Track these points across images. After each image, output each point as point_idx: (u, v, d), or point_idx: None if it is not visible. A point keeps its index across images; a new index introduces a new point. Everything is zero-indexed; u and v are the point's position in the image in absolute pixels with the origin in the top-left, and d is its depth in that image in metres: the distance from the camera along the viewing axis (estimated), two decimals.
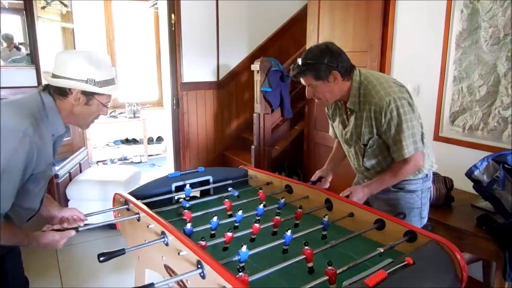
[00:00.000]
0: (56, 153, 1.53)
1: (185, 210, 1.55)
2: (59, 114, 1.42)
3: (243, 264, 1.17)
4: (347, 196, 1.70)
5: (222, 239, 1.33)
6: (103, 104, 1.47)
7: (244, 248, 1.17)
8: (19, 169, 1.28)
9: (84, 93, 1.41)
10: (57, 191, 3.28)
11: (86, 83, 1.39)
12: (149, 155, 5.86)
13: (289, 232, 1.31)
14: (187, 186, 1.80)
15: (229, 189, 1.82)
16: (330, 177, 1.96)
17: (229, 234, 1.32)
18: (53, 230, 1.38)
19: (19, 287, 1.72)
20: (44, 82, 1.47)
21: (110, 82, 1.46)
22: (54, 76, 1.41)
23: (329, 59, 1.64)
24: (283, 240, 1.31)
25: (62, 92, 1.40)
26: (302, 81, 1.72)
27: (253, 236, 1.40)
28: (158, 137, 6.04)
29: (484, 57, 2.28)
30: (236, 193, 1.75)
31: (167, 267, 1.35)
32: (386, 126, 1.66)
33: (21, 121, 1.28)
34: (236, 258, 1.17)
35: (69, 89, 1.39)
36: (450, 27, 2.43)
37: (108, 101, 1.49)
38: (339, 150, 2.03)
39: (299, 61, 1.67)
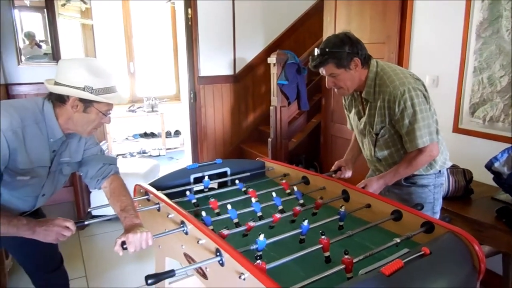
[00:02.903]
0: (63, 157, 1.56)
1: (211, 199, 1.57)
2: (56, 120, 1.45)
3: (260, 253, 1.20)
4: (362, 188, 1.71)
5: (241, 229, 1.36)
6: (102, 113, 1.47)
7: (261, 237, 1.20)
8: None
9: (82, 100, 1.42)
10: (79, 183, 3.38)
11: (83, 90, 1.40)
12: (167, 149, 5.93)
13: (306, 222, 1.32)
14: (206, 178, 1.83)
15: (236, 182, 1.85)
16: (350, 166, 1.98)
17: (251, 223, 1.35)
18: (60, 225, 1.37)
19: (55, 264, 1.83)
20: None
21: (109, 90, 1.46)
22: (56, 83, 1.44)
23: (350, 47, 1.64)
24: (300, 230, 1.33)
25: (61, 99, 1.43)
26: (323, 71, 1.71)
27: (272, 224, 1.43)
28: (176, 131, 6.11)
29: (505, 47, 2.22)
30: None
31: (186, 255, 1.39)
32: (400, 115, 1.65)
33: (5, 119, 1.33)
34: (254, 246, 1.19)
35: (67, 96, 1.42)
36: (470, 16, 2.38)
37: (109, 109, 1.49)
38: (357, 141, 2.04)
39: (319, 51, 1.67)
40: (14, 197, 1.50)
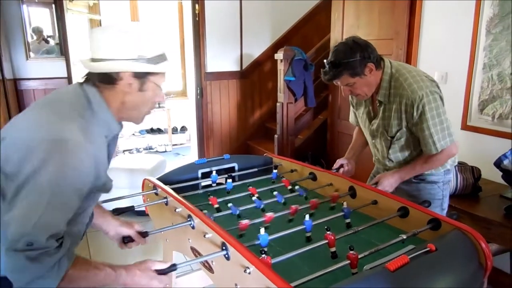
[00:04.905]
0: (110, 158, 1.24)
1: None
2: (108, 109, 1.12)
3: (266, 248, 1.20)
4: (376, 184, 1.71)
5: (261, 219, 1.38)
6: (159, 87, 1.19)
7: (262, 231, 1.20)
8: (75, 189, 1.00)
9: (137, 75, 1.11)
10: None
11: (137, 61, 1.10)
12: (173, 145, 5.96)
13: (307, 217, 1.32)
14: (214, 173, 1.84)
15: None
16: (352, 164, 1.95)
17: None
18: (152, 270, 1.16)
19: None
20: (77, 72, 1.29)
21: (163, 57, 1.17)
22: (94, 60, 1.11)
23: (361, 53, 1.60)
24: (304, 226, 1.32)
25: (109, 79, 1.10)
26: (337, 82, 1.68)
27: (266, 225, 1.39)
28: (182, 127, 6.14)
29: None
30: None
31: (193, 249, 1.40)
32: (418, 119, 1.64)
33: (67, 127, 1.00)
34: (257, 242, 1.20)
35: (117, 73, 1.10)
36: (480, 12, 2.36)
37: (163, 81, 1.20)
38: (359, 138, 2.03)
39: (330, 63, 1.63)
40: (79, 225, 1.18)
